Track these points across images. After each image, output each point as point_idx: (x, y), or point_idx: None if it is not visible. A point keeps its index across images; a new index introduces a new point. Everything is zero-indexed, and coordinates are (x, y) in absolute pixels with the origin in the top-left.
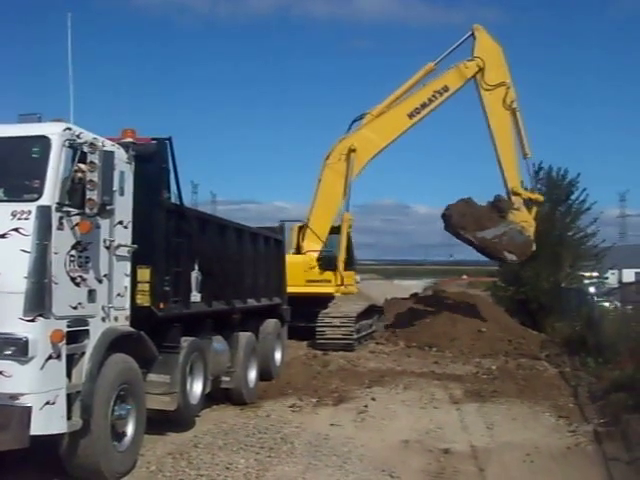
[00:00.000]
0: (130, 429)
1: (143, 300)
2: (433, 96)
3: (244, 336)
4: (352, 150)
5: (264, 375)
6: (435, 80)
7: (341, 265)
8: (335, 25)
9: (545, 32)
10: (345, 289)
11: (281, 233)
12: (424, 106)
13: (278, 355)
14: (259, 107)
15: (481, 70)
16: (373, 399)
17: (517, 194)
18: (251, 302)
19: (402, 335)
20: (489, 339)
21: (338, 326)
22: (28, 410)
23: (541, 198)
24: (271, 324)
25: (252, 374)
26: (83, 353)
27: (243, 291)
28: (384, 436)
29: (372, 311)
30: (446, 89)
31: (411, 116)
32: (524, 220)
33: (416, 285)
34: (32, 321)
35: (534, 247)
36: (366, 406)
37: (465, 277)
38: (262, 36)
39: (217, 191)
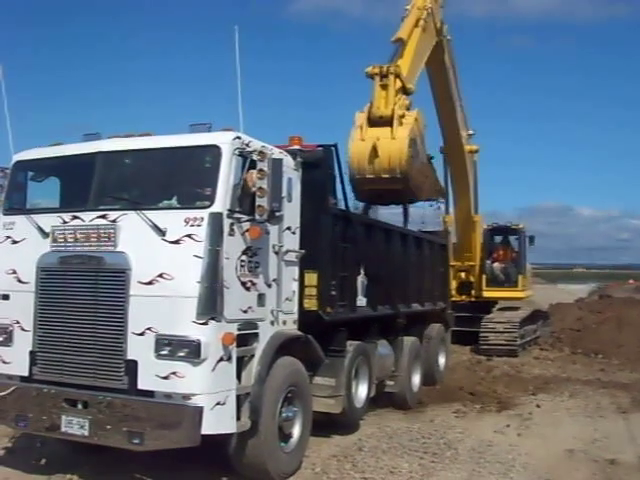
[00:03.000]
0: (296, 431)
1: (310, 304)
2: None
3: (408, 340)
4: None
5: (428, 380)
6: None
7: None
8: (491, 23)
9: None
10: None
11: (445, 237)
12: None
13: (442, 360)
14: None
15: None
16: (537, 406)
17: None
18: (415, 307)
19: (567, 341)
20: None
21: (502, 332)
22: (200, 410)
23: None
24: (435, 329)
25: (416, 379)
26: (252, 356)
27: (407, 295)
28: (548, 444)
29: (536, 316)
30: None
31: None
32: None
33: (581, 289)
34: (204, 324)
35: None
36: (530, 413)
37: (632, 281)
38: None
39: None
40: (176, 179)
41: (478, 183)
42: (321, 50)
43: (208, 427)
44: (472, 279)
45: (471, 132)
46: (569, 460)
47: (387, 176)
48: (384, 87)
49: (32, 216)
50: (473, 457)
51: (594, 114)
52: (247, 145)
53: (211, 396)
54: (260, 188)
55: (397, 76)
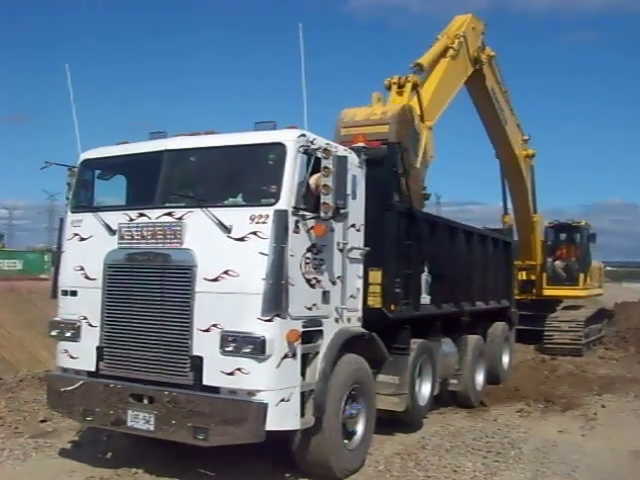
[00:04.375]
0: (360, 428)
1: (374, 302)
2: None
3: (472, 339)
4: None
5: (491, 378)
6: None
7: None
8: (553, 17)
9: None
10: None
11: (509, 235)
12: None
13: (505, 359)
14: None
15: None
16: (602, 406)
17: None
18: (479, 305)
19: (633, 340)
20: None
21: (566, 330)
22: (264, 406)
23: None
24: (499, 327)
25: (480, 377)
26: (317, 353)
27: (472, 293)
28: (614, 445)
29: (601, 315)
30: None
31: None
32: None
33: None
34: (269, 321)
35: None
36: (595, 414)
37: None
38: None
39: (442, 192)
40: (241, 177)
41: (536, 185)
42: (381, 46)
43: (272, 423)
44: (533, 277)
45: (526, 137)
46: (635, 461)
47: (377, 117)
48: (400, 94)
49: (99, 214)
50: (537, 457)
51: None
52: (312, 142)
53: (276, 392)
54: (325, 185)
55: (415, 86)
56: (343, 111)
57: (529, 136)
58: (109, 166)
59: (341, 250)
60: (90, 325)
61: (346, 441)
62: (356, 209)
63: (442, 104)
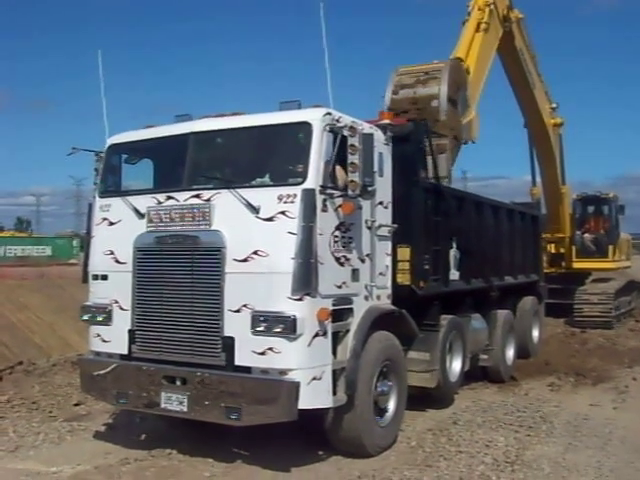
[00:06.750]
0: (391, 405)
1: (404, 279)
2: None
3: (502, 314)
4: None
5: (521, 353)
6: None
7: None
8: None
9: None
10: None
11: (537, 209)
12: None
13: (535, 333)
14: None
15: None
16: (634, 379)
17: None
18: (508, 279)
19: None
20: None
21: (596, 303)
22: (296, 385)
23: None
24: (528, 301)
25: (510, 352)
26: (347, 331)
27: (500, 268)
28: None
29: (631, 287)
30: None
31: None
32: None
33: None
34: (300, 300)
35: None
36: (627, 386)
37: None
38: None
39: (467, 167)
40: (268, 157)
41: (564, 155)
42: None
43: (305, 402)
44: (562, 250)
45: (554, 105)
46: None
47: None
48: None
49: (127, 198)
50: (569, 431)
51: None
52: (338, 121)
53: (307, 371)
54: (352, 163)
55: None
56: None
57: (557, 104)
58: (136, 150)
59: (369, 228)
60: (121, 309)
61: (378, 418)
62: (383, 186)
63: (481, 79)
